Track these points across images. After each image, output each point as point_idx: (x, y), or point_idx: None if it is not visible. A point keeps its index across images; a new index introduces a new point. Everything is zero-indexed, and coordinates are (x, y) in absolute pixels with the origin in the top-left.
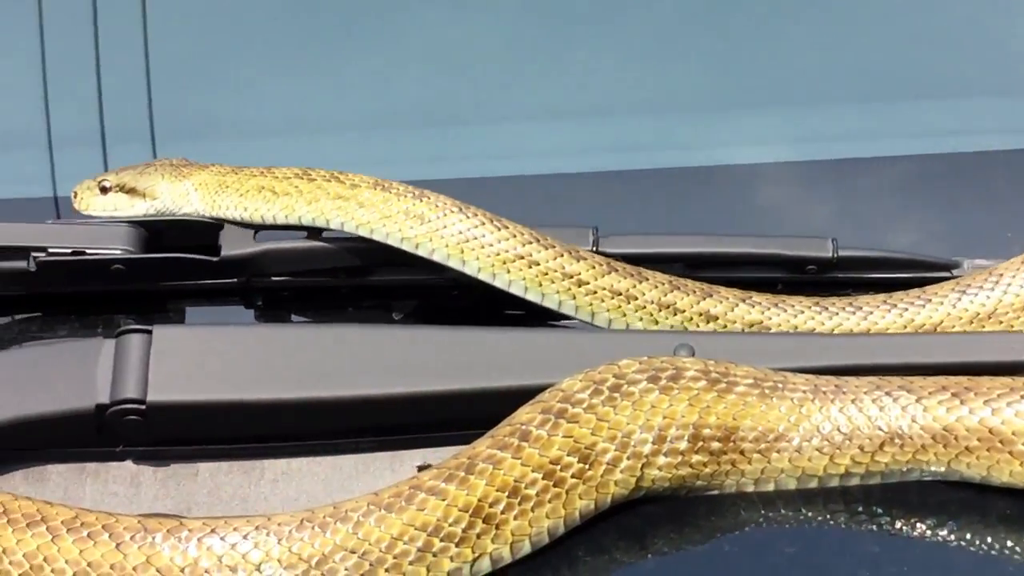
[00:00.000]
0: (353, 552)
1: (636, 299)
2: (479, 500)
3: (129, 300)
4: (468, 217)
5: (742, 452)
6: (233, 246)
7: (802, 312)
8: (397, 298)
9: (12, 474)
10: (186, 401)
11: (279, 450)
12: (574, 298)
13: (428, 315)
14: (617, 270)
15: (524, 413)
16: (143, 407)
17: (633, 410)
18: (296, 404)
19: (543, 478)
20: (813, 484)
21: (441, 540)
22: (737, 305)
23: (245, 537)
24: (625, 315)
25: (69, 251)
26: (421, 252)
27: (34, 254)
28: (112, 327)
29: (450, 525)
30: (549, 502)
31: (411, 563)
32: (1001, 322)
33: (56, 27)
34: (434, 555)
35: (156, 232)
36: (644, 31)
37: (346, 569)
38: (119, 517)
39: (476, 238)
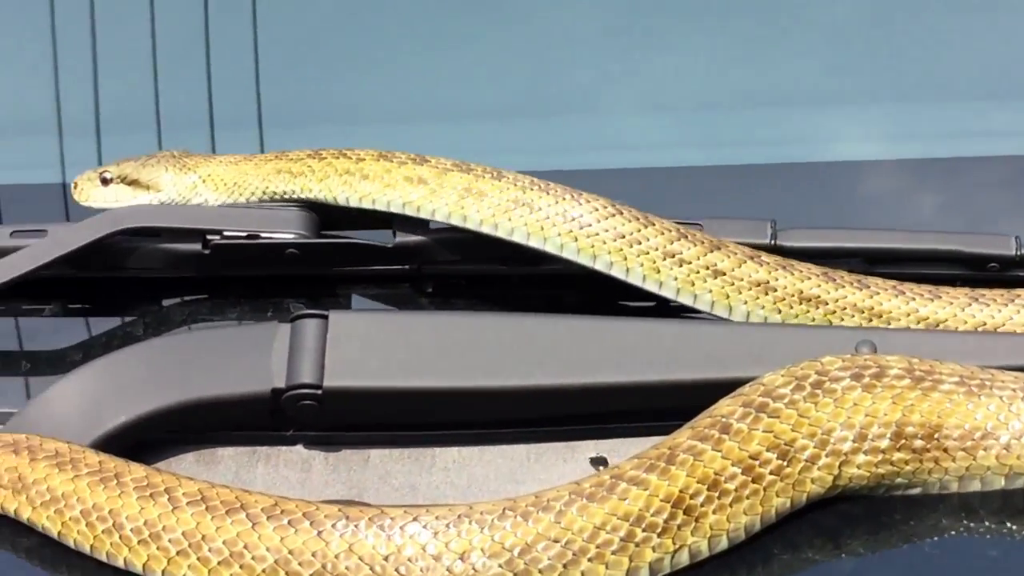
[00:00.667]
0: (556, 541)
1: (640, 244)
2: (680, 491)
3: (297, 284)
4: (467, 173)
5: (946, 450)
6: (407, 232)
7: (808, 279)
8: (568, 288)
9: (183, 456)
10: (361, 387)
11: (450, 438)
12: (576, 240)
13: (595, 307)
14: (623, 213)
15: (725, 406)
16: (319, 392)
17: (835, 407)
18: (469, 392)
19: (742, 473)
20: (1021, 483)
21: (643, 530)
22: (745, 262)
23: (448, 526)
24: (626, 259)
25: (244, 234)
26: (423, 214)
27: (209, 236)
28: (281, 311)
29: (652, 515)
30: (747, 498)
31: (614, 553)
32: None
33: (166, 11)
34: (637, 545)
35: (329, 217)
36: (750, 24)
37: (549, 558)
38: (319, 505)
39: (475, 192)
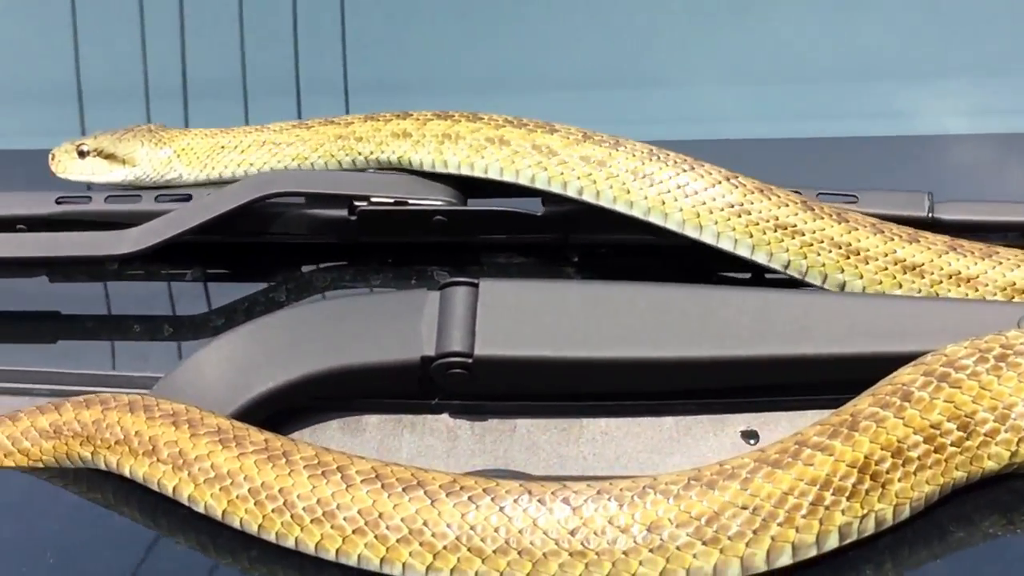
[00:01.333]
0: (744, 508)
1: (608, 166)
2: (865, 457)
3: (438, 251)
4: (445, 120)
5: None
6: (555, 202)
7: (786, 206)
8: (718, 259)
9: (328, 424)
10: (512, 356)
11: (598, 409)
12: (546, 170)
13: (738, 279)
14: (593, 138)
15: (906, 374)
16: (470, 361)
17: (1018, 382)
18: (620, 364)
19: (924, 441)
20: None
21: (832, 494)
22: (720, 183)
23: (634, 498)
24: (595, 182)
25: (391, 201)
26: (415, 166)
27: (356, 203)
28: (424, 278)
29: (839, 480)
30: (929, 467)
31: (803, 516)
32: (977, 290)
33: None
34: (826, 508)
35: (476, 184)
36: None
37: (738, 525)
38: (499, 481)
39: (451, 136)
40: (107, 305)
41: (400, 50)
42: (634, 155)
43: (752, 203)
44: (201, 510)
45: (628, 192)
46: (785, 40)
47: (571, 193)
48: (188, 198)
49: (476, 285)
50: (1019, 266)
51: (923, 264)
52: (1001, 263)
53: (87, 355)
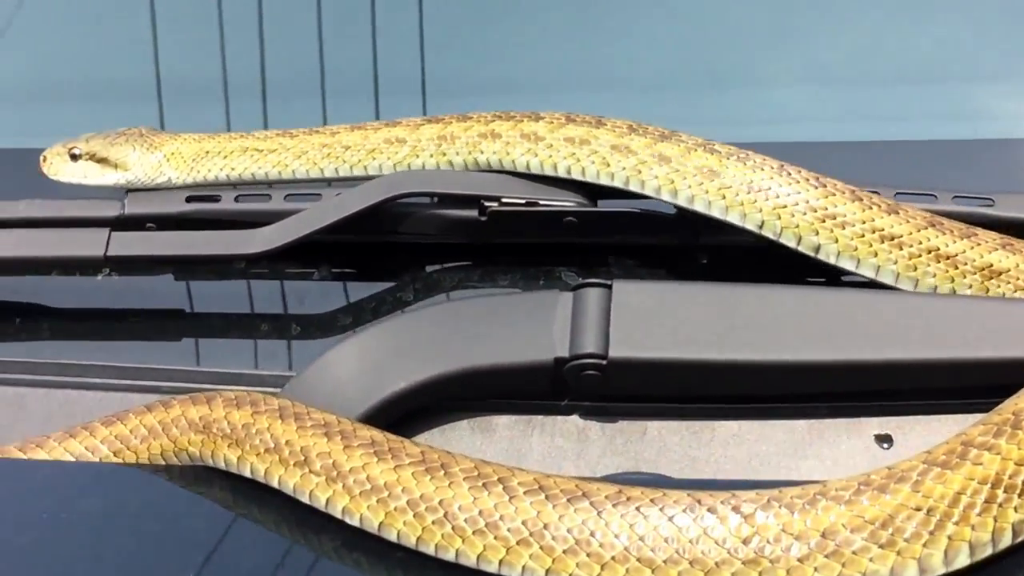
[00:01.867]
0: (918, 510)
1: (590, 144)
2: None
3: (562, 251)
4: (436, 123)
5: None
6: None
7: (760, 170)
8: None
9: (457, 424)
10: (646, 358)
11: (729, 412)
12: (536, 155)
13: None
14: (575, 120)
15: None
16: (604, 363)
17: None
18: (753, 366)
19: None
20: None
21: (1004, 492)
22: (694, 151)
23: (805, 505)
24: (579, 160)
25: (523, 201)
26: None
27: (487, 203)
28: (552, 279)
29: (1009, 478)
30: None
31: (978, 514)
32: (957, 267)
33: None
34: (999, 506)
35: (601, 186)
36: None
37: (914, 527)
38: (667, 492)
39: (447, 137)
40: (233, 303)
41: (482, 49)
42: (613, 131)
43: (727, 168)
44: (356, 523)
45: (608, 165)
46: (875, 41)
47: (560, 173)
48: (317, 197)
49: (609, 286)
50: (997, 248)
51: (901, 236)
52: (980, 244)
53: (214, 353)
